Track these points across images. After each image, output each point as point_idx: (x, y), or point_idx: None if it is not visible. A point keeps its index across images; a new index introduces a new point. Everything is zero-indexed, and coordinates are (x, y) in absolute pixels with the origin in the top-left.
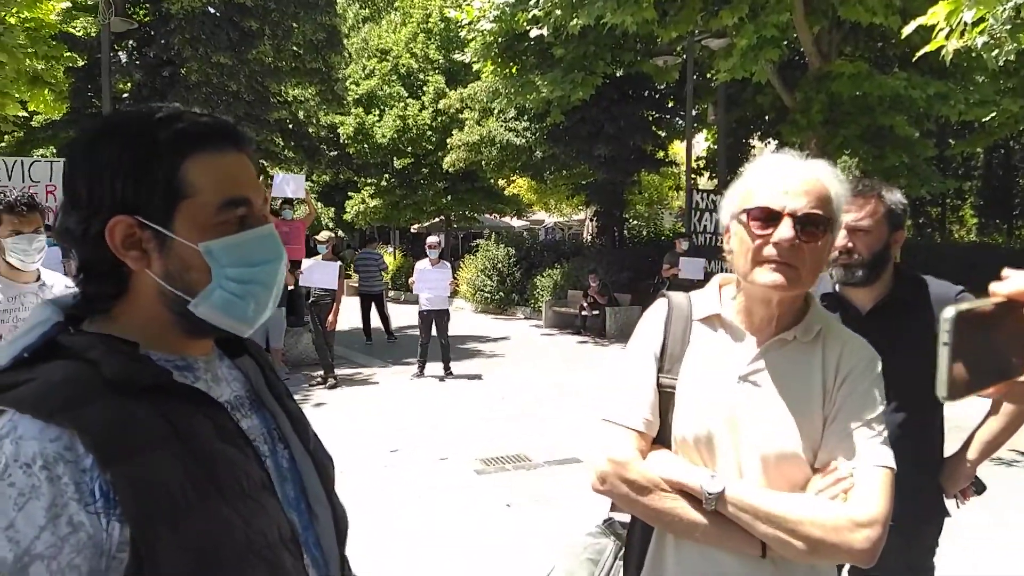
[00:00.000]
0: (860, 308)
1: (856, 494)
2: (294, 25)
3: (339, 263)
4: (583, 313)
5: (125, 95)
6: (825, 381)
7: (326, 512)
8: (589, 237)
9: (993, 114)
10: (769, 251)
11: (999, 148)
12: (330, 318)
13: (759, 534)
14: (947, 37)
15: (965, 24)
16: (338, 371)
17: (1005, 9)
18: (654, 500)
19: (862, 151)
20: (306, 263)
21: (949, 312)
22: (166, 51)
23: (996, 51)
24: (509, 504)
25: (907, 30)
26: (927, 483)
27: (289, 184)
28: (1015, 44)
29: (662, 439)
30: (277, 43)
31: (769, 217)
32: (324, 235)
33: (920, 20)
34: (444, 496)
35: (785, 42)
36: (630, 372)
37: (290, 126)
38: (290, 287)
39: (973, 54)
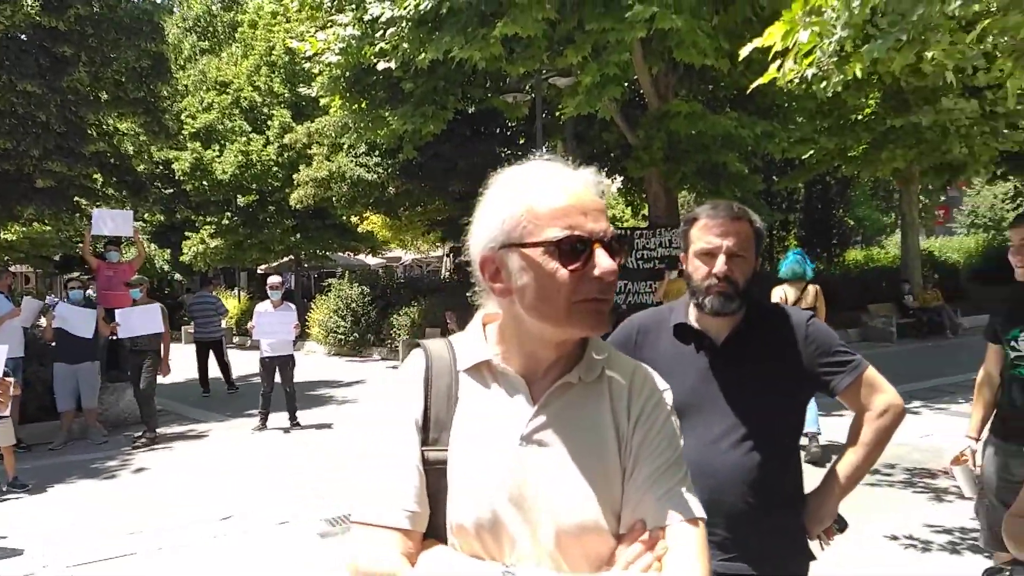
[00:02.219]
0: (715, 338)
1: (672, 559)
2: (112, 54)
3: (159, 304)
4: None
5: None
6: (618, 427)
7: None
8: (447, 273)
9: (812, 151)
10: (589, 287)
11: (817, 183)
12: (163, 365)
13: None
14: (779, 68)
15: (801, 44)
16: (170, 429)
17: (831, 42)
18: None
19: (700, 186)
20: (120, 312)
21: None
22: None
23: (824, 82)
24: None
25: (744, 51)
26: (790, 524)
27: (107, 221)
28: (842, 76)
29: (436, 530)
30: (95, 70)
31: (579, 247)
32: (136, 278)
33: (756, 42)
34: (281, 568)
35: (626, 82)
36: (385, 451)
37: (111, 160)
38: (113, 337)
39: (795, 92)
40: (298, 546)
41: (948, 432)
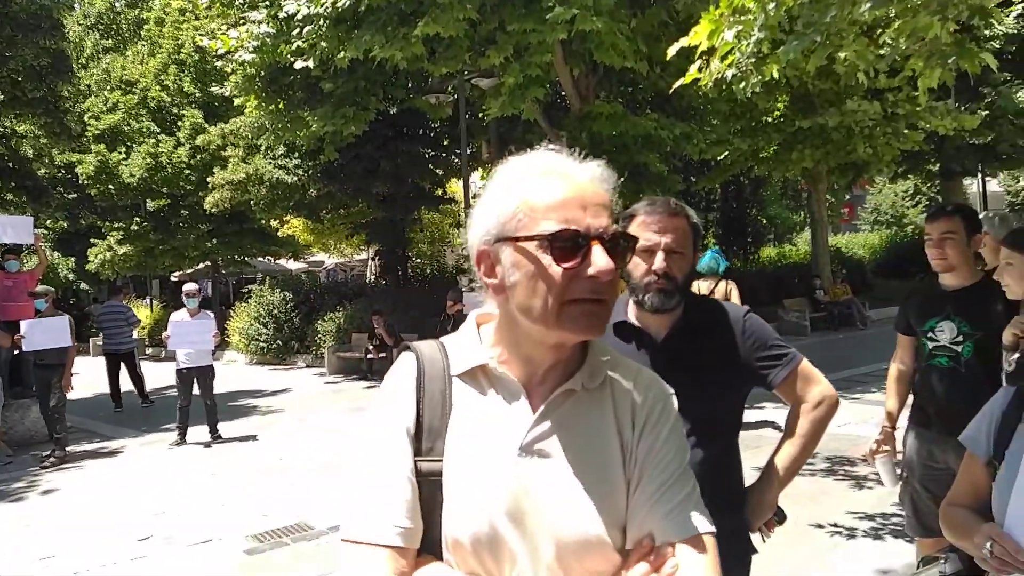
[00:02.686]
0: (656, 336)
1: None
2: (8, 52)
3: (67, 316)
4: (369, 356)
5: None
6: (622, 435)
7: None
8: (372, 277)
9: (726, 152)
10: (582, 287)
11: (732, 183)
12: (65, 380)
13: None
14: (700, 68)
15: (727, 43)
16: (80, 447)
17: (749, 43)
18: None
19: (623, 187)
20: (25, 324)
21: None
22: None
23: (744, 83)
24: None
25: (671, 51)
26: (734, 523)
27: (7, 228)
28: (759, 76)
29: (430, 546)
30: None
31: (575, 243)
32: (41, 288)
33: (683, 41)
34: None
35: (548, 83)
36: (374, 462)
37: (9, 164)
38: (16, 351)
39: (710, 94)
40: (224, 564)
41: (863, 421)
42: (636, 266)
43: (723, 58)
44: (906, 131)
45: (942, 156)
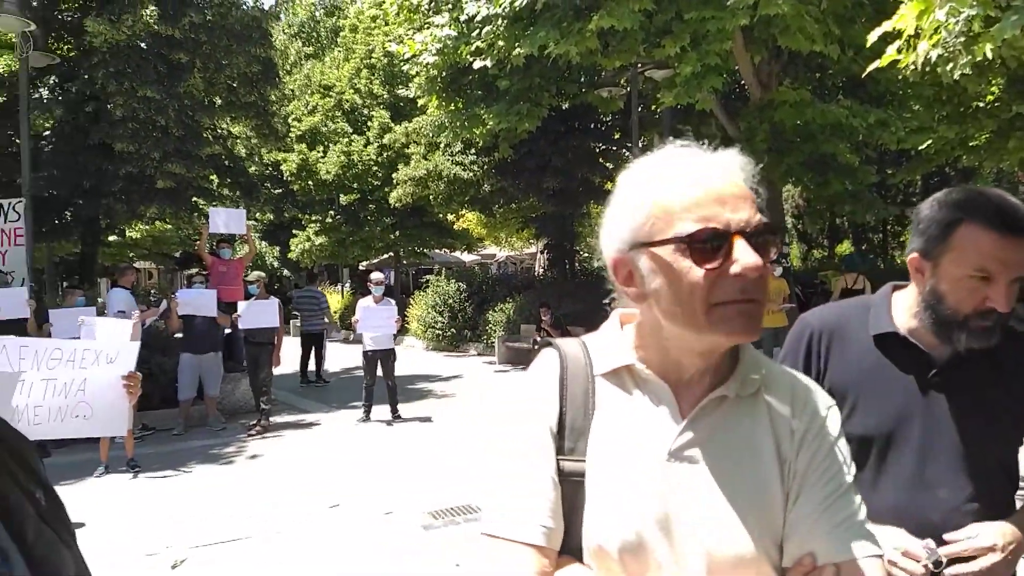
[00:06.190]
0: (934, 356)
1: None
2: (225, 60)
3: (276, 300)
4: (536, 347)
5: (47, 131)
6: (780, 447)
7: None
8: (540, 270)
9: (929, 141)
10: (729, 287)
11: (935, 175)
12: (275, 356)
13: None
14: (901, 50)
15: (938, 22)
16: (282, 418)
17: (958, 21)
18: None
19: (806, 178)
20: (242, 305)
21: None
22: (90, 86)
23: (951, 64)
24: (458, 564)
25: (872, 36)
26: None
27: (222, 217)
28: (970, 56)
29: (569, 548)
30: (209, 76)
31: (714, 241)
32: (255, 275)
33: (886, 25)
34: (387, 557)
35: (727, 72)
36: (518, 458)
37: (225, 162)
38: (227, 330)
39: (910, 78)
40: (402, 536)
41: None
42: (971, 292)
43: (929, 38)
44: None
45: None
